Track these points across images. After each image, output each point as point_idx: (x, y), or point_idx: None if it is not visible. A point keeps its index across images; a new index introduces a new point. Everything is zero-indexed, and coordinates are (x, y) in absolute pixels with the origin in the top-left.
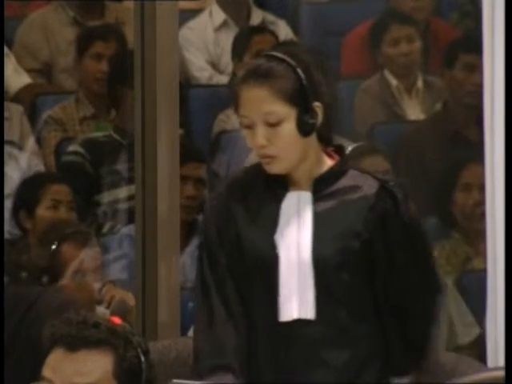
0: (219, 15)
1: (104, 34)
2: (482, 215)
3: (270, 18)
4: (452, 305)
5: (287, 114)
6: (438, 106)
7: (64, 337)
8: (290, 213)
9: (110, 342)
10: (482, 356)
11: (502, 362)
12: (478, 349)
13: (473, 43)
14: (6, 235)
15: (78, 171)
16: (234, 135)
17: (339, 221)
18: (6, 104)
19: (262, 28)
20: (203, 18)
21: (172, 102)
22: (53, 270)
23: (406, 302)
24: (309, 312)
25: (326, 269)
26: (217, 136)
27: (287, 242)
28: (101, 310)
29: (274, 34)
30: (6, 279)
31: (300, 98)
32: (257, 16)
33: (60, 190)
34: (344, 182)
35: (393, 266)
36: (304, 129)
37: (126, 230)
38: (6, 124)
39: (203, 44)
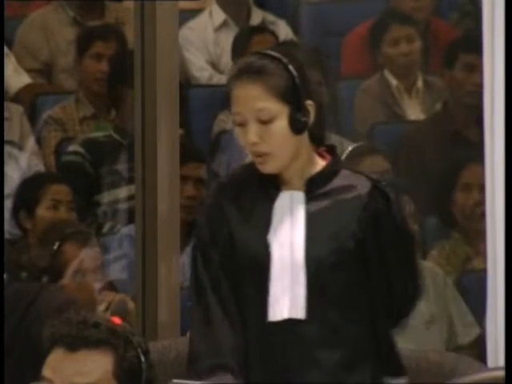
0: (219, 15)
1: (104, 34)
2: (482, 215)
3: (270, 17)
4: (452, 305)
5: (279, 112)
6: (438, 106)
7: (64, 337)
8: (283, 212)
9: (110, 342)
10: (482, 356)
11: (502, 362)
12: (478, 349)
13: (473, 43)
14: (6, 235)
15: (78, 171)
16: (234, 135)
17: (334, 220)
18: (6, 104)
19: (262, 28)
20: (203, 18)
21: (172, 102)
22: (53, 270)
23: (395, 302)
24: (300, 311)
25: (321, 269)
26: (217, 136)
27: (280, 242)
28: (100, 309)
29: (274, 34)
30: (5, 278)
31: (292, 96)
32: (257, 16)
33: (60, 190)
34: (337, 181)
35: (385, 265)
36: (296, 126)
37: (126, 230)
38: (6, 124)
39: (203, 44)
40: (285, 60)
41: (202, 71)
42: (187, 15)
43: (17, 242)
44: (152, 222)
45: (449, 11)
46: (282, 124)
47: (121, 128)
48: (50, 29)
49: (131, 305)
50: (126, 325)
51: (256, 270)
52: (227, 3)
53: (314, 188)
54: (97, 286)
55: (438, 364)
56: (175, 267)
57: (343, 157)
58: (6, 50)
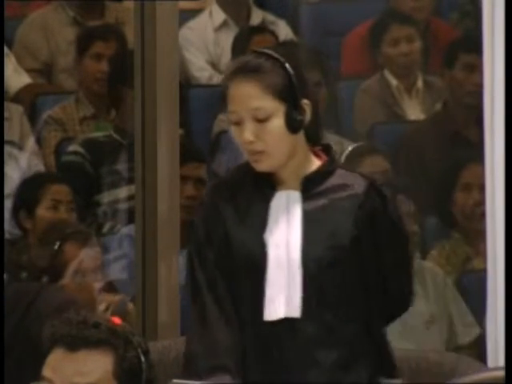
0: (219, 15)
1: (104, 34)
2: (482, 215)
3: (270, 17)
4: (452, 305)
5: (275, 110)
6: (438, 106)
7: (64, 337)
8: (279, 212)
9: (110, 342)
10: (482, 356)
11: (502, 362)
12: (477, 349)
13: (473, 43)
14: (6, 235)
15: (78, 171)
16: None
17: (330, 220)
18: (6, 104)
19: (262, 28)
20: (203, 18)
21: (172, 102)
22: (53, 270)
23: (389, 301)
24: (295, 311)
25: (317, 268)
26: (217, 136)
27: (276, 241)
28: (100, 309)
29: (274, 34)
30: (5, 278)
31: (289, 95)
32: (257, 16)
33: (60, 190)
34: (333, 180)
35: (380, 264)
36: (292, 125)
37: (126, 229)
38: (6, 124)
39: (203, 44)
40: (281, 59)
41: (201, 71)
42: (187, 15)
43: (17, 242)
44: (152, 222)
45: (449, 11)
46: (278, 122)
47: (121, 128)
48: (50, 29)
49: (130, 306)
50: (125, 325)
51: (252, 270)
52: (227, 3)
53: (309, 187)
54: (97, 285)
55: (438, 364)
56: (175, 267)
57: (343, 157)
58: (6, 49)
